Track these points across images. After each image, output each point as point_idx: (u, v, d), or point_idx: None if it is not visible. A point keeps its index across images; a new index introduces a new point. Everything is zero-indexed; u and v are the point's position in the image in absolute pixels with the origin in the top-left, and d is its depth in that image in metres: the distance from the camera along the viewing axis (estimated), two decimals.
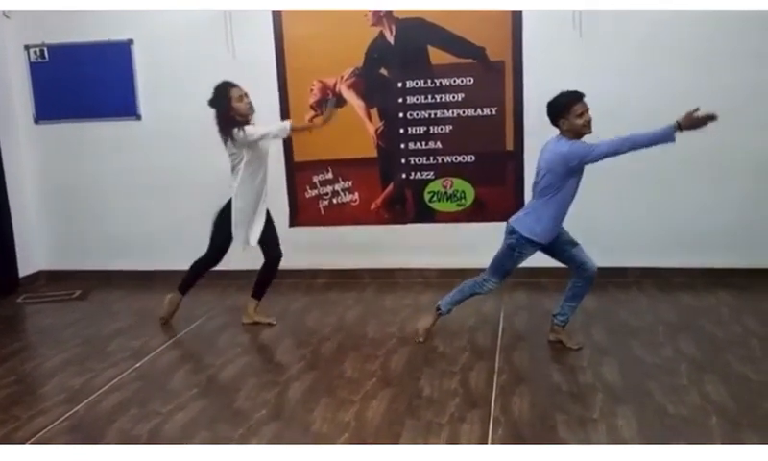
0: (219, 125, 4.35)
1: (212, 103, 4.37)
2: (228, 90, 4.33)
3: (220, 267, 5.63)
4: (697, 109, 3.48)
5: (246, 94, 4.35)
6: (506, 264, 3.92)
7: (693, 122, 3.49)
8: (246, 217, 4.47)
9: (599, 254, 5.06)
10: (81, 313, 5.15)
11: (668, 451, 2.67)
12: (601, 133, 4.34)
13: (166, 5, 5.35)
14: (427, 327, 4.16)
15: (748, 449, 2.66)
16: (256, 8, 5.28)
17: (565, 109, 3.65)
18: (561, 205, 3.75)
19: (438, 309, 4.14)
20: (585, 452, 2.75)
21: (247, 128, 4.27)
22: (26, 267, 5.96)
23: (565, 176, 3.67)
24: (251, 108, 4.33)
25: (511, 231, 3.83)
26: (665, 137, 3.50)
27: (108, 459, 2.88)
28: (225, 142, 4.36)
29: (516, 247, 3.82)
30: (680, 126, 3.48)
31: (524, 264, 4.77)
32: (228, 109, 4.30)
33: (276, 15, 5.33)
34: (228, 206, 4.44)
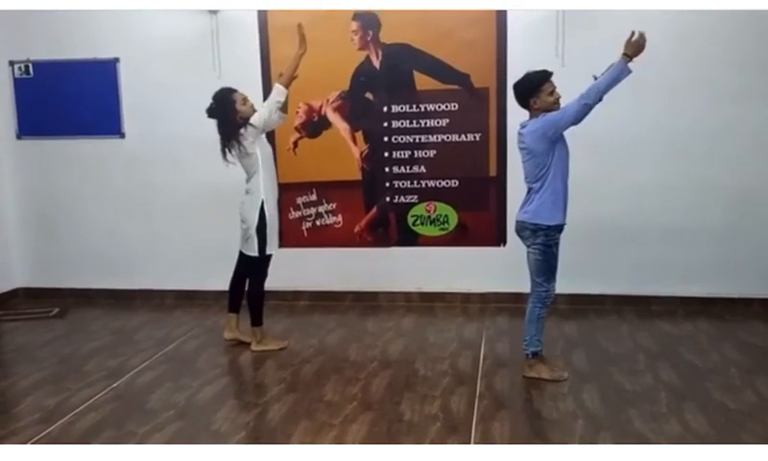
0: (224, 133, 4.26)
1: (214, 112, 4.28)
2: (230, 96, 4.28)
3: (200, 287, 5.63)
4: (633, 34, 3.61)
5: (247, 97, 4.31)
6: (551, 262, 3.81)
7: (636, 47, 3.61)
8: (275, 220, 4.41)
9: (579, 282, 5.13)
10: (58, 331, 5.08)
11: (667, 451, 2.67)
12: (583, 160, 4.42)
13: (155, 5, 5.34)
14: (547, 377, 3.86)
15: (748, 450, 2.66)
16: (249, 8, 5.29)
17: (537, 87, 3.72)
18: (562, 181, 3.77)
19: (533, 355, 3.89)
20: (585, 452, 2.74)
21: (252, 120, 4.21)
22: (4, 284, 5.88)
23: (549, 150, 3.70)
24: (254, 111, 4.28)
25: (535, 230, 3.76)
26: (622, 71, 3.59)
27: (104, 460, 2.84)
28: (228, 151, 4.26)
29: (550, 242, 3.77)
30: (628, 55, 3.60)
31: (507, 289, 4.80)
32: (234, 113, 4.24)
33: (263, 35, 5.35)
34: (263, 213, 4.31)
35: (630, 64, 3.61)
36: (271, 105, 4.26)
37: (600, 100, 3.61)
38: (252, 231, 4.32)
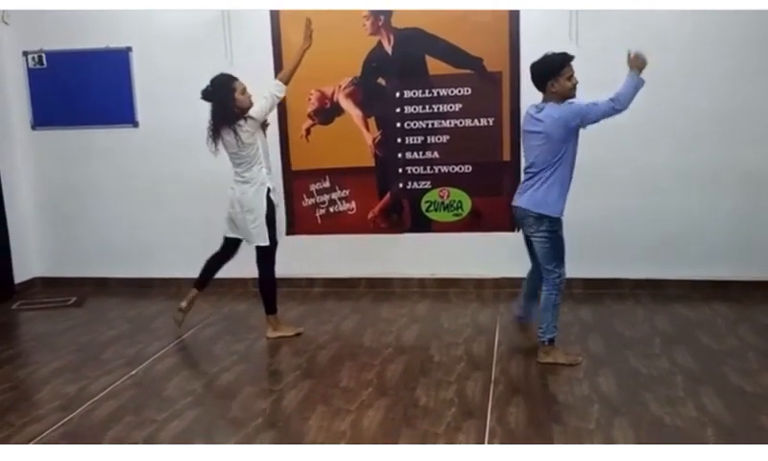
0: (218, 119, 4.22)
1: (211, 95, 4.24)
2: (231, 82, 4.24)
3: (216, 275, 5.64)
4: (629, 55, 3.70)
5: (246, 88, 4.29)
6: (559, 246, 3.78)
7: (639, 63, 3.67)
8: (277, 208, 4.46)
9: (595, 265, 5.12)
10: (76, 320, 5.13)
11: (668, 452, 2.67)
12: (598, 144, 4.39)
13: (166, 5, 5.36)
14: (563, 362, 3.85)
15: (748, 450, 2.65)
16: (256, 8, 5.29)
17: (558, 70, 3.67)
18: (569, 174, 3.75)
19: (549, 342, 3.87)
20: (585, 453, 2.75)
21: (252, 112, 4.20)
22: (22, 274, 5.94)
23: (566, 138, 3.66)
24: (251, 102, 4.27)
25: (540, 217, 3.72)
26: (639, 83, 3.66)
27: (106, 460, 2.87)
28: (217, 140, 4.25)
29: (555, 229, 3.74)
30: (638, 68, 3.67)
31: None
32: (232, 101, 4.21)
33: (275, 23, 5.35)
34: (270, 202, 4.33)
35: (644, 51, 3.60)
36: (271, 98, 4.26)
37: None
38: (262, 220, 4.32)
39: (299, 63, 4.34)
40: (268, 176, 4.36)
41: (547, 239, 3.76)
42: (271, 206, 4.33)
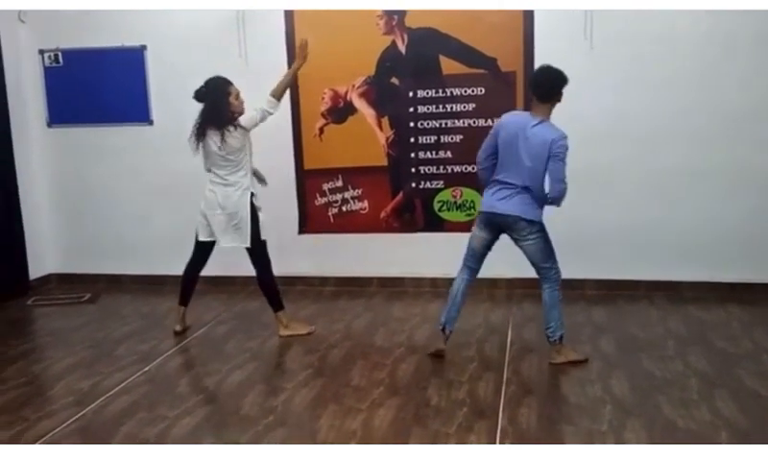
0: (209, 120, 4.25)
1: (204, 96, 4.28)
2: (227, 86, 4.28)
3: (228, 273, 5.66)
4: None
5: (240, 93, 4.33)
6: (550, 243, 3.86)
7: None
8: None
9: (609, 267, 5.09)
10: (90, 316, 5.17)
11: (669, 452, 2.65)
12: (613, 145, 4.36)
13: (179, 5, 5.39)
14: (575, 358, 3.90)
15: (748, 450, 2.63)
16: (270, 8, 5.31)
17: (563, 84, 3.74)
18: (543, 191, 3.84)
19: (560, 340, 3.87)
20: (584, 452, 2.73)
21: (242, 121, 4.24)
22: (37, 270, 5.99)
23: (544, 163, 3.70)
24: (243, 109, 4.31)
25: (531, 221, 3.76)
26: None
27: (114, 459, 2.88)
28: (200, 140, 4.29)
29: (543, 230, 3.83)
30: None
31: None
32: (226, 105, 4.25)
33: (289, 23, 5.36)
34: (253, 206, 4.37)
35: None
36: (262, 112, 4.28)
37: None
38: (247, 222, 4.34)
39: (290, 81, 4.47)
40: (251, 182, 4.40)
41: (540, 239, 3.82)
42: (254, 210, 4.36)
